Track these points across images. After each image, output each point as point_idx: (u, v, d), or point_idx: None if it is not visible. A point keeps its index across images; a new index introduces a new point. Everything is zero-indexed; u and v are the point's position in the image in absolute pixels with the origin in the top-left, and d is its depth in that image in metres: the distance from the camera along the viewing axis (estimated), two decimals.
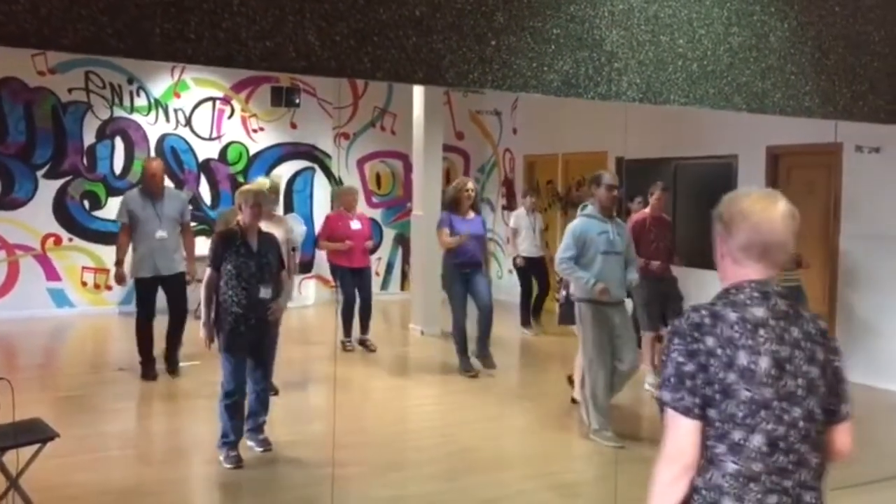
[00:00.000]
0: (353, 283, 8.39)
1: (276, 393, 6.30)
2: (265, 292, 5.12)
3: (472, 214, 7.78)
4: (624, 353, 5.81)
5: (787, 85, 4.48)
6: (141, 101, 10.60)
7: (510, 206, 12.03)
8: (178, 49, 3.03)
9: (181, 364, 7.26)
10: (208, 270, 5.16)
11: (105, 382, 7.17)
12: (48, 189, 10.09)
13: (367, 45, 3.42)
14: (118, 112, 10.47)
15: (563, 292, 6.36)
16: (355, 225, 8.38)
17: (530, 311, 9.88)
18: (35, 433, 4.11)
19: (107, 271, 9.83)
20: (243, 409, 5.26)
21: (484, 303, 7.65)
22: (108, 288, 10.13)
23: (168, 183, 8.53)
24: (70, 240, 10.20)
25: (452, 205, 7.78)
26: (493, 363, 7.70)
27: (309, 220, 11.30)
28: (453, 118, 12.70)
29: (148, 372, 7.16)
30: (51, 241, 10.13)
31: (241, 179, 11.03)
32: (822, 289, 7.97)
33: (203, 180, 10.95)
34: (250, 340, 5.16)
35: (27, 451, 4.15)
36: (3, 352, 7.86)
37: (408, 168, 11.47)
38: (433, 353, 8.62)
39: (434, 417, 6.64)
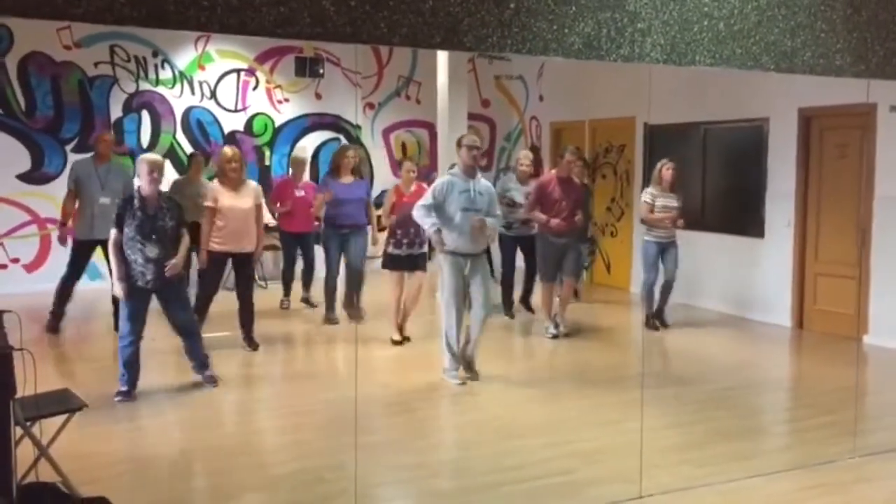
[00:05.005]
0: (294, 246, 8.96)
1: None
2: (154, 252, 5.70)
3: (351, 178, 8.34)
4: (475, 299, 6.31)
5: (817, 43, 4.34)
6: (166, 74, 10.61)
7: (536, 173, 11.94)
8: (192, 17, 3.00)
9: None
10: (113, 231, 5.77)
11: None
12: None
13: (382, 10, 3.36)
14: (144, 85, 10.50)
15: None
16: (298, 192, 8.90)
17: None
18: (63, 404, 4.16)
19: None
20: (138, 353, 5.88)
21: (354, 264, 8.29)
22: None
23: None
24: None
25: (333, 169, 8.42)
26: (361, 316, 8.28)
27: None
28: (479, 86, 12.58)
29: (55, 325, 7.92)
30: None
31: (266, 151, 11.05)
32: (855, 252, 7.83)
33: None
34: (153, 293, 5.82)
35: (58, 421, 4.20)
36: (39, 324, 7.97)
37: (433, 137, 11.38)
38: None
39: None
